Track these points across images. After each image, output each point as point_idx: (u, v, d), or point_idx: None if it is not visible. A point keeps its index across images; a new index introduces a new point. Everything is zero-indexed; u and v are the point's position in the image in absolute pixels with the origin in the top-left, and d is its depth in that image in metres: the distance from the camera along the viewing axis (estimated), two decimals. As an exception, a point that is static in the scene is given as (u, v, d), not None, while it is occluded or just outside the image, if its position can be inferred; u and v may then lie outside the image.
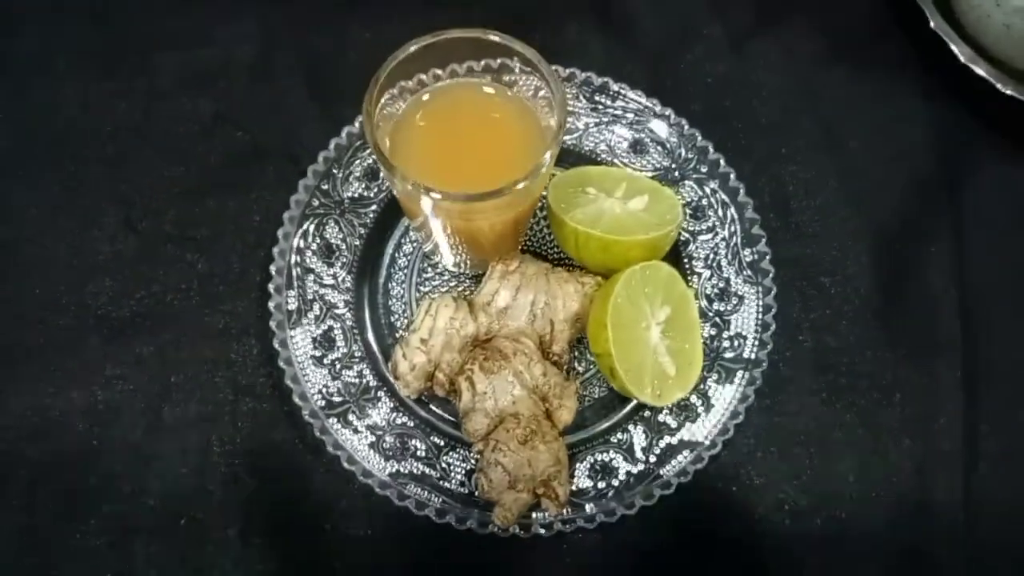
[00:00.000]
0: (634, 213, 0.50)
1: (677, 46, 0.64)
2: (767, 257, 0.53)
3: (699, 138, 0.56)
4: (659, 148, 0.57)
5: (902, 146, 0.61)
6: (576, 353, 0.52)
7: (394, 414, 0.50)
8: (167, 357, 0.52)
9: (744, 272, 0.53)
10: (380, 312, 0.54)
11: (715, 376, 0.51)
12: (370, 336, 0.53)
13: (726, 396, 0.50)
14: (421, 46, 0.43)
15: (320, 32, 0.63)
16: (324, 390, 0.50)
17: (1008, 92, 0.56)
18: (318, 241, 0.54)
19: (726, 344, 0.52)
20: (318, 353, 0.51)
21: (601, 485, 0.48)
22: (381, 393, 0.51)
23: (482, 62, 0.44)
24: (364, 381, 0.51)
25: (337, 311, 0.53)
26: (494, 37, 0.42)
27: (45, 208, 0.57)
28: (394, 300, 0.54)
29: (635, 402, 0.51)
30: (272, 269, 0.52)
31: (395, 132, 0.46)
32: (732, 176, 0.55)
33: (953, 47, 0.57)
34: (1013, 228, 0.58)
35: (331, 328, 0.52)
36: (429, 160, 0.46)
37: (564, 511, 0.46)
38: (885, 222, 0.58)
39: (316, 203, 0.54)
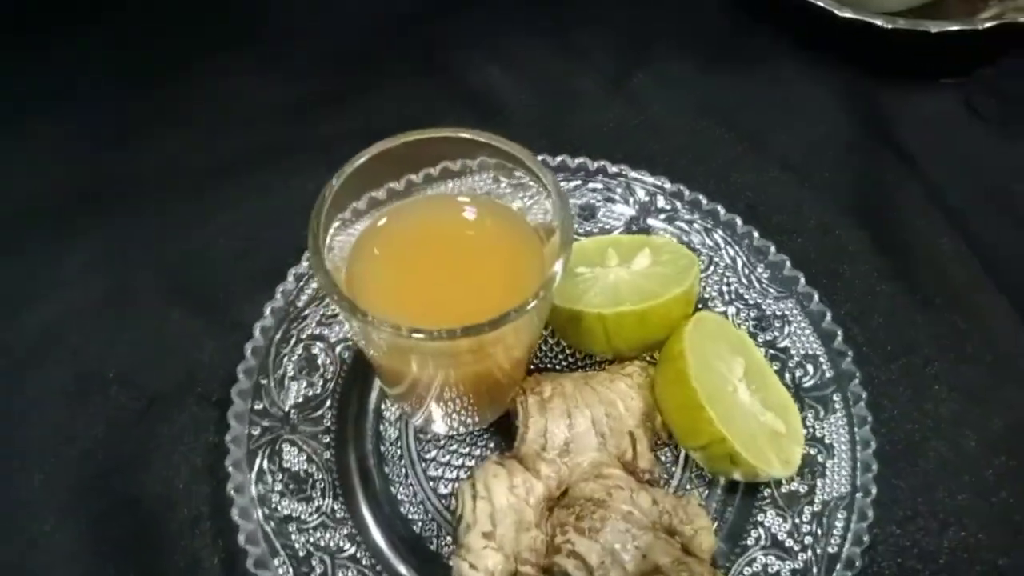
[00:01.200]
0: (646, 273, 0.41)
1: (560, 107, 0.58)
2: (787, 263, 0.46)
3: (648, 178, 0.49)
4: (609, 204, 0.49)
5: (826, 121, 0.58)
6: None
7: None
8: None
9: (771, 290, 0.46)
10: (399, 529, 0.40)
11: (811, 413, 0.42)
12: (400, 567, 0.39)
13: (838, 429, 0.41)
14: (374, 155, 0.33)
15: (170, 237, 0.51)
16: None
17: (893, 26, 0.55)
18: (280, 476, 0.40)
19: (799, 373, 0.44)
20: (347, 622, 0.36)
21: (774, 603, 0.37)
22: (454, 632, 0.37)
23: (439, 167, 0.35)
24: (426, 628, 0.37)
25: (344, 554, 0.38)
26: (466, 135, 0.33)
27: None
28: (407, 505, 0.41)
29: (741, 486, 0.41)
30: (241, 539, 0.37)
31: (352, 271, 0.35)
32: (703, 200, 0.48)
33: (822, 4, 0.56)
34: (966, 147, 0.56)
35: (347, 581, 0.37)
36: (407, 298, 0.35)
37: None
38: (858, 194, 0.54)
39: (257, 431, 0.41)
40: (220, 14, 0.64)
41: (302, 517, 0.39)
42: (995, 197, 0.54)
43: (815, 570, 0.37)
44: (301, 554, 0.38)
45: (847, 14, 0.56)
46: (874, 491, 0.39)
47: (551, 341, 0.45)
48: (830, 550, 0.38)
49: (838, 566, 0.37)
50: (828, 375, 0.43)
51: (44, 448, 0.42)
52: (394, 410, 0.44)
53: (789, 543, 0.39)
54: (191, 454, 0.42)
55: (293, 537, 0.38)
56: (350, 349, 0.45)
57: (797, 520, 0.39)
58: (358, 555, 0.38)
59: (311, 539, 0.38)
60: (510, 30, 0.63)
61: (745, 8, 0.63)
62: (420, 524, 0.40)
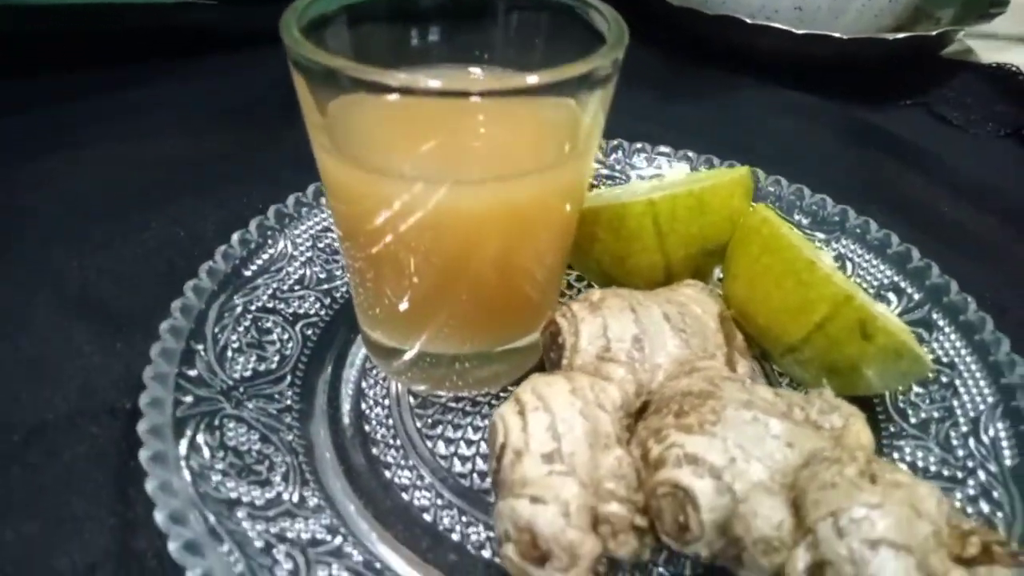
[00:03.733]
0: (689, 176, 0.34)
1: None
2: (827, 202, 0.40)
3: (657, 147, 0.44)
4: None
5: (805, 132, 0.56)
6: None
7: (566, 656, 0.22)
8: None
9: (818, 234, 0.39)
10: (401, 518, 0.27)
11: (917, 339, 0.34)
12: (406, 564, 0.26)
13: (954, 344, 0.33)
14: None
15: (71, 259, 0.41)
16: None
17: (851, 36, 0.56)
18: (222, 455, 0.27)
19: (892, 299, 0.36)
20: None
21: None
22: (509, 637, 0.23)
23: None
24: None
25: (323, 547, 0.25)
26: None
27: None
28: (411, 491, 0.28)
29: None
30: (159, 519, 0.23)
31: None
32: (716, 160, 0.43)
33: (780, 25, 0.57)
34: (943, 146, 0.55)
35: (320, 540, 0.24)
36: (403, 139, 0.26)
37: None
38: (860, 182, 0.50)
39: (189, 399, 0.28)
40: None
41: (256, 503, 0.26)
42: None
43: (1001, 490, 0.27)
44: (258, 544, 0.24)
45: (804, 31, 0.56)
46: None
47: (576, 285, 0.36)
48: (1008, 463, 0.28)
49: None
50: (918, 296, 0.35)
51: None
52: (379, 389, 0.32)
53: (947, 472, 0.28)
54: (89, 489, 0.29)
55: (244, 524, 0.24)
56: (314, 327, 0.34)
57: (944, 446, 0.29)
58: (345, 549, 0.25)
59: (272, 528, 0.25)
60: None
61: (686, 50, 0.64)
62: (432, 511, 0.28)
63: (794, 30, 0.56)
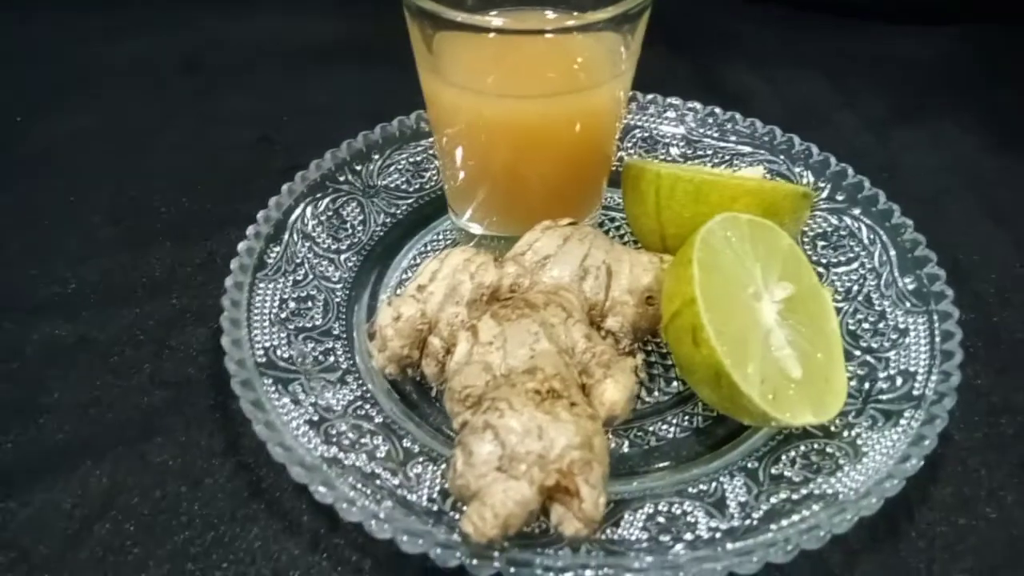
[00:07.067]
0: (744, 175, 0.36)
1: (805, 124, 0.53)
2: (939, 280, 0.36)
3: (833, 162, 0.43)
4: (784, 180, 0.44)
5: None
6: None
7: (359, 404, 0.33)
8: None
9: (906, 302, 0.36)
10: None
11: (866, 422, 0.32)
12: (359, 322, 0.38)
13: (886, 442, 0.30)
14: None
15: None
16: (271, 349, 0.34)
17: None
18: (330, 215, 0.43)
19: (883, 385, 0.33)
20: (282, 314, 0.37)
21: (664, 538, 0.28)
22: (350, 378, 0.35)
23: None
24: (331, 360, 0.35)
25: (328, 283, 0.39)
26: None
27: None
28: (406, 292, 0.41)
29: (739, 449, 0.32)
30: (259, 216, 0.40)
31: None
32: (881, 196, 0.41)
33: None
34: None
35: (312, 297, 0.38)
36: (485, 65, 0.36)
37: (594, 534, 0.26)
38: None
39: (342, 179, 0.44)
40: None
41: (320, 244, 0.41)
42: None
43: (737, 541, 0.27)
44: (297, 259, 0.39)
45: None
46: (875, 502, 0.27)
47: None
48: (771, 527, 0.27)
49: (762, 539, 0.27)
50: (917, 392, 0.32)
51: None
52: (449, 232, 0.44)
53: (732, 508, 0.29)
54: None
55: (299, 248, 0.40)
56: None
57: (762, 498, 0.29)
58: (336, 290, 0.39)
59: (312, 260, 0.40)
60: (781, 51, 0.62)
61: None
62: (401, 308, 0.40)
63: None
